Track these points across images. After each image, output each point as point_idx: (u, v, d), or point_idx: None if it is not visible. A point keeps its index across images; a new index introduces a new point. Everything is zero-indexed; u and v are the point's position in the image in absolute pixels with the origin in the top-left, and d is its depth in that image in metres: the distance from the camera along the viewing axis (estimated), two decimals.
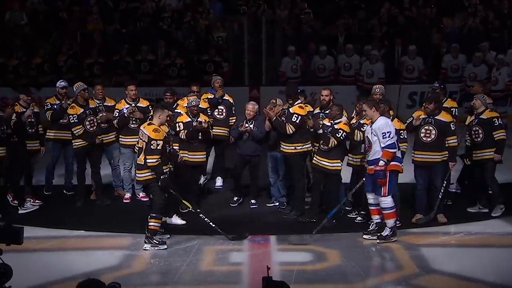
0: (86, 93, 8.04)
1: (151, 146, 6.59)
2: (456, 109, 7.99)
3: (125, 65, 12.78)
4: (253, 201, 8.11)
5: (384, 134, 6.65)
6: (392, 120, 7.09)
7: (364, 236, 6.98)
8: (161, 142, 6.62)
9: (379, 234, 6.85)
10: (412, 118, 7.46)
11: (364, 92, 11.88)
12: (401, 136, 7.27)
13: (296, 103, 7.65)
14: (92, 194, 8.33)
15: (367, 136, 6.91)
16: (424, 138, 7.28)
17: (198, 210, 7.17)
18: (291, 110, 7.56)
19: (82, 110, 7.95)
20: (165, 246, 6.73)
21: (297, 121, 7.48)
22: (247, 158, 7.96)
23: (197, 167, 7.91)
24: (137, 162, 6.81)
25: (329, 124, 7.33)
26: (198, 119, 7.72)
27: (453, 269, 6.23)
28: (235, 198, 8.18)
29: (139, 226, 7.08)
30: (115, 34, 13.28)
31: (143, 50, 12.71)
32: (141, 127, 6.86)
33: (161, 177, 6.63)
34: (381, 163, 6.67)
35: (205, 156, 7.99)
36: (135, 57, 12.80)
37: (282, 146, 7.73)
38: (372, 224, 7.02)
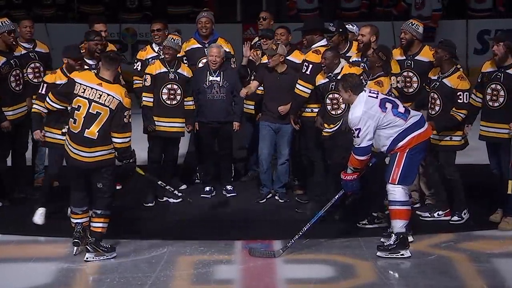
0: (11, 37, 7.97)
1: (124, 119, 6.58)
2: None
3: None
4: (228, 187, 8.33)
5: (352, 132, 6.72)
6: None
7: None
8: (130, 113, 6.66)
9: (380, 242, 6.95)
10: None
11: None
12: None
13: (317, 45, 7.79)
14: None
15: None
16: (491, 103, 7.32)
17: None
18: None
19: (4, 59, 7.91)
20: (115, 254, 6.84)
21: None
22: (216, 127, 8.21)
23: (172, 140, 8.16)
24: (85, 135, 6.64)
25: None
26: (178, 71, 7.99)
27: None
28: (207, 188, 8.40)
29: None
30: None
31: None
32: (97, 86, 6.62)
33: (130, 161, 6.82)
34: (349, 171, 6.87)
35: (183, 124, 8.16)
36: None
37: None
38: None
